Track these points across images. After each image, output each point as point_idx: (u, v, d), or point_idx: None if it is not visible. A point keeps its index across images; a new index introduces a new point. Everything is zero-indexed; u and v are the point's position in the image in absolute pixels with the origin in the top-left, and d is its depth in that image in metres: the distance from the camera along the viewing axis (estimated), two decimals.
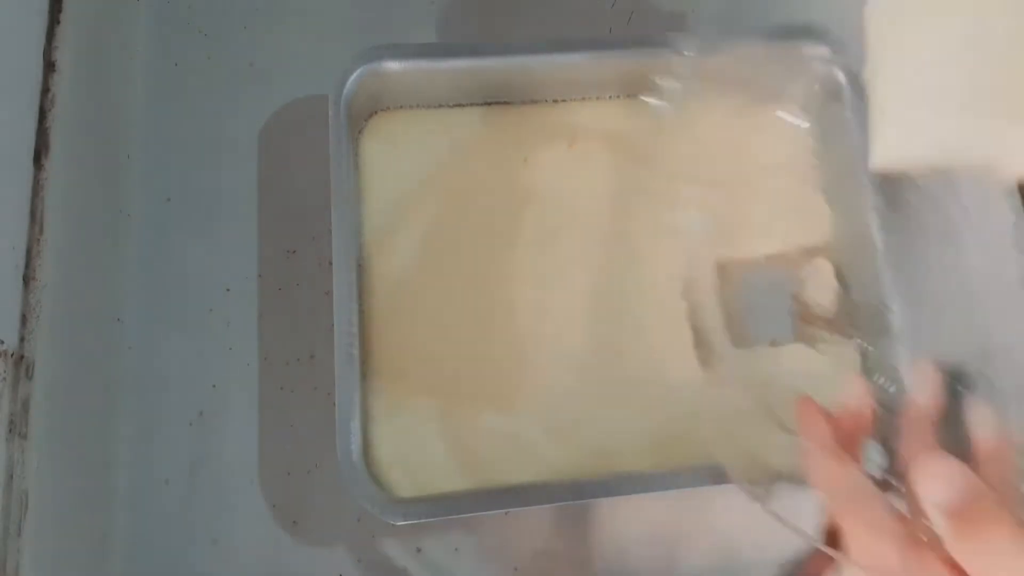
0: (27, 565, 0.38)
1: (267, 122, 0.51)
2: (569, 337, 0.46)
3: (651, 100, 0.40)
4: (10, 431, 0.38)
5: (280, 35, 0.52)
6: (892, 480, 0.33)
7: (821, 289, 0.46)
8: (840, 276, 0.47)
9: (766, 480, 0.35)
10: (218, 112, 0.51)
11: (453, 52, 0.48)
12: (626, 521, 0.46)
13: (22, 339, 0.40)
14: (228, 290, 0.48)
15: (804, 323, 0.46)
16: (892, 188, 0.43)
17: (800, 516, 0.33)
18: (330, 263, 0.43)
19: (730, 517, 0.46)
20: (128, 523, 0.44)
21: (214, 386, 0.46)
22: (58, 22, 0.45)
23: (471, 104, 0.50)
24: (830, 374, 0.44)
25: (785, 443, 0.36)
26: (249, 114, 0.50)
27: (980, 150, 0.27)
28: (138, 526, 0.44)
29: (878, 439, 0.34)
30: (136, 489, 0.44)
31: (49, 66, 0.44)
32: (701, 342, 0.42)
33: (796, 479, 0.34)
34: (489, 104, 0.50)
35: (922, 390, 0.34)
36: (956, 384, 0.36)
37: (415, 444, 0.44)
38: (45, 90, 0.43)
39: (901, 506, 0.31)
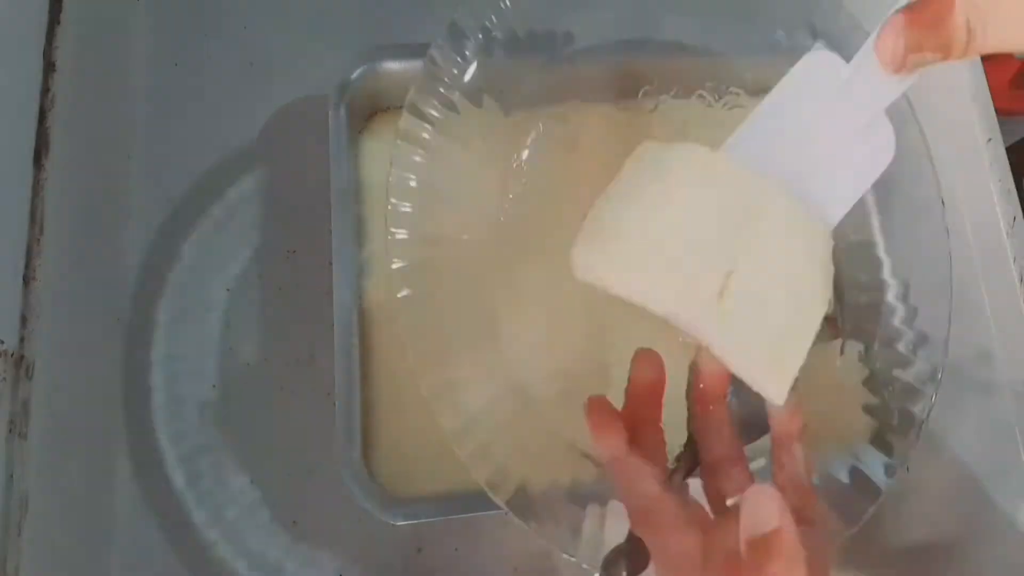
0: (27, 565, 0.38)
1: (267, 122, 0.50)
2: (572, 338, 0.46)
3: None
4: (10, 431, 0.39)
5: (280, 35, 0.52)
6: (687, 473, 0.33)
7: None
8: (840, 276, 0.46)
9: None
10: (218, 112, 0.51)
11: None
12: (626, 521, 0.46)
13: (22, 339, 0.40)
14: (228, 290, 0.48)
15: None
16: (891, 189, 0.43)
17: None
18: (330, 263, 0.43)
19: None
20: (128, 523, 0.44)
21: (214, 386, 0.46)
22: (58, 22, 0.45)
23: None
24: (831, 373, 0.44)
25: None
26: (249, 114, 0.50)
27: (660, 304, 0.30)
28: (138, 526, 0.44)
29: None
30: (136, 489, 0.44)
31: (49, 66, 0.44)
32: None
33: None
34: None
35: (710, 362, 0.33)
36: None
37: (415, 444, 0.44)
38: (45, 90, 0.43)
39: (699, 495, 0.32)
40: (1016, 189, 0.52)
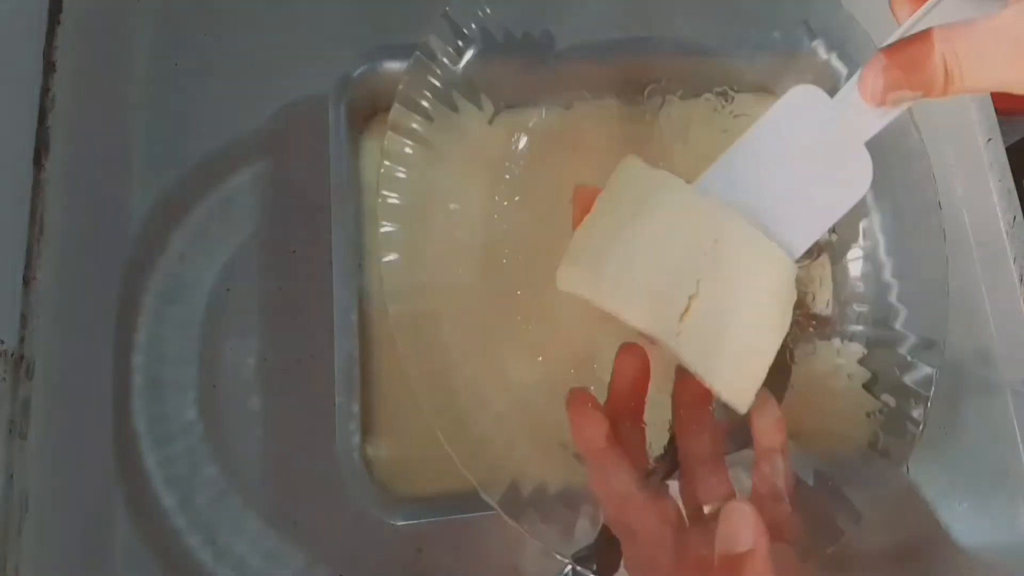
0: (27, 565, 0.38)
1: (267, 122, 0.50)
2: (569, 336, 0.46)
3: None
4: (10, 431, 0.39)
5: (280, 35, 0.52)
6: (667, 474, 0.34)
7: (821, 290, 0.46)
8: (839, 277, 0.46)
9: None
10: (218, 112, 0.51)
11: None
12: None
13: (22, 339, 0.40)
14: (228, 290, 0.48)
15: (804, 325, 0.46)
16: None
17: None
18: (330, 263, 0.43)
19: None
20: (128, 523, 0.44)
21: (214, 386, 0.46)
22: (58, 22, 0.45)
23: None
24: (830, 375, 0.44)
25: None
26: (249, 114, 0.50)
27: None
28: (138, 526, 0.44)
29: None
30: (136, 489, 0.44)
31: (49, 66, 0.44)
32: None
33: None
34: None
35: (627, 369, 0.34)
36: None
37: (415, 444, 0.44)
38: (45, 90, 0.43)
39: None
40: (1016, 189, 0.52)
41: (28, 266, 0.41)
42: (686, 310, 0.33)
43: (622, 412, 0.33)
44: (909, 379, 0.40)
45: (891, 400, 0.40)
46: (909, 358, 0.40)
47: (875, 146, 0.34)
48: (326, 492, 0.44)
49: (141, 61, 0.51)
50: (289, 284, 0.48)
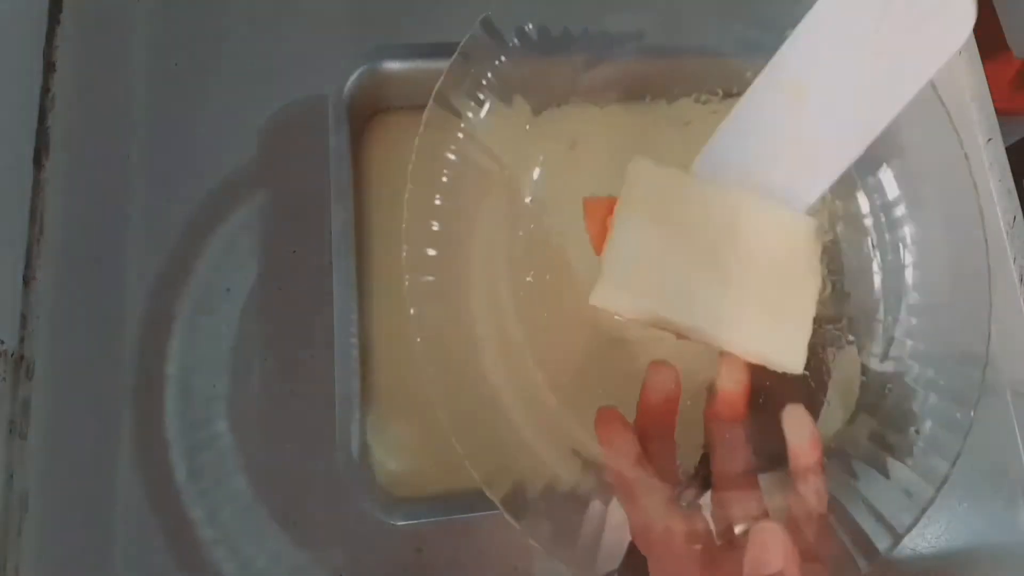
0: (27, 565, 0.38)
1: (267, 122, 0.50)
2: (569, 336, 0.46)
3: None
4: (10, 431, 0.39)
5: (280, 35, 0.52)
6: (699, 494, 0.33)
7: (855, 294, 0.46)
8: (839, 277, 0.46)
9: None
10: (218, 112, 0.51)
11: (453, 52, 0.48)
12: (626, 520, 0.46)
13: (22, 339, 0.40)
14: (228, 290, 0.48)
15: (835, 334, 0.46)
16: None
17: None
18: (330, 263, 0.43)
19: None
20: (128, 523, 0.44)
21: (214, 386, 0.46)
22: (58, 22, 0.45)
23: None
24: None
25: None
26: (249, 114, 0.50)
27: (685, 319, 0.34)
28: (138, 526, 0.44)
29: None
30: (136, 489, 0.44)
31: (49, 66, 0.44)
32: None
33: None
34: None
35: (729, 380, 0.33)
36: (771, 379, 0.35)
37: (415, 444, 0.44)
38: (45, 90, 0.43)
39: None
40: (1016, 189, 0.52)
41: (28, 266, 0.41)
42: (721, 297, 0.34)
43: (652, 430, 0.32)
44: (947, 393, 0.39)
45: (893, 400, 0.39)
46: (944, 376, 0.39)
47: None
48: (326, 492, 0.44)
49: (141, 61, 0.51)
50: (289, 284, 0.48)
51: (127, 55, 0.51)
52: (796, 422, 0.32)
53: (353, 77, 0.45)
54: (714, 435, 0.33)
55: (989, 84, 0.54)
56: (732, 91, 0.47)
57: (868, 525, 0.35)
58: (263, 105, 0.51)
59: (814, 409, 0.37)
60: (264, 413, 0.46)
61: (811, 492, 0.31)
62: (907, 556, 0.46)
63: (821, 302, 0.36)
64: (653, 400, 0.33)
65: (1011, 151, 0.54)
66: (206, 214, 0.49)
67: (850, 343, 0.43)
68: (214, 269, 0.48)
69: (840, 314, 0.44)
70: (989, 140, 0.53)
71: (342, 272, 0.43)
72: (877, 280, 0.44)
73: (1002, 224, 0.52)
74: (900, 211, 0.43)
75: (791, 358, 0.34)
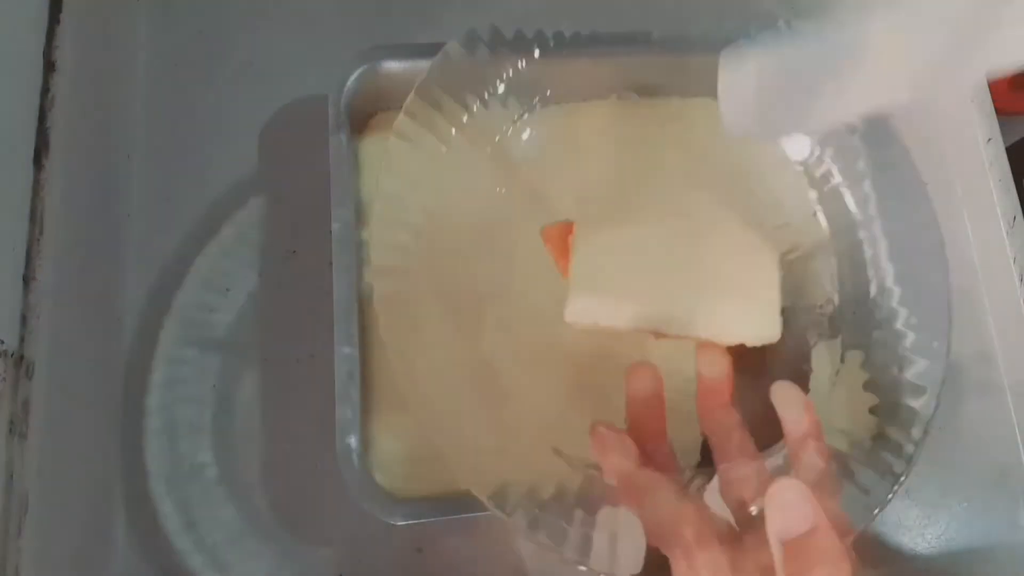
0: (27, 565, 0.38)
1: (267, 122, 0.50)
2: (569, 336, 0.46)
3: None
4: (10, 431, 0.38)
5: (280, 35, 0.52)
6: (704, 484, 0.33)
7: (820, 290, 0.46)
8: (838, 277, 0.46)
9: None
10: (218, 112, 0.51)
11: None
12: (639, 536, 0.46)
13: (22, 339, 0.40)
14: (228, 290, 0.48)
15: (813, 326, 0.46)
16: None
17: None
18: (330, 263, 0.43)
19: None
20: (128, 523, 0.44)
21: (214, 386, 0.46)
22: (58, 22, 0.45)
23: None
24: (831, 375, 0.44)
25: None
26: (249, 114, 0.50)
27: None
28: (138, 526, 0.44)
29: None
30: (136, 489, 0.44)
31: (49, 66, 0.44)
32: None
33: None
34: None
35: (710, 367, 0.33)
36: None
37: (415, 444, 0.44)
38: (45, 90, 0.43)
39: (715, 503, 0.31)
40: (1016, 189, 0.52)
41: (28, 266, 0.41)
42: (689, 288, 0.35)
43: (644, 431, 0.32)
44: (910, 375, 0.40)
45: (895, 398, 0.40)
46: (909, 355, 0.40)
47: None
48: (326, 492, 0.44)
49: (141, 61, 0.51)
50: (289, 284, 0.48)
51: (127, 55, 0.51)
52: (785, 395, 0.32)
53: (353, 77, 0.45)
54: (708, 423, 0.33)
55: (989, 84, 0.54)
56: None
57: (867, 477, 0.36)
58: (263, 105, 0.51)
59: (801, 381, 0.38)
60: (264, 413, 0.46)
61: (813, 455, 0.31)
62: (907, 556, 0.46)
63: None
64: (638, 404, 0.33)
65: (1011, 151, 0.54)
66: (206, 214, 0.49)
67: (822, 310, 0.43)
68: (214, 269, 0.48)
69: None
70: (989, 140, 0.53)
71: (342, 272, 0.43)
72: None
73: (1002, 224, 0.52)
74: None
75: (767, 329, 0.35)
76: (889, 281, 0.42)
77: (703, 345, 0.34)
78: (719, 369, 0.33)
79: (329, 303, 0.42)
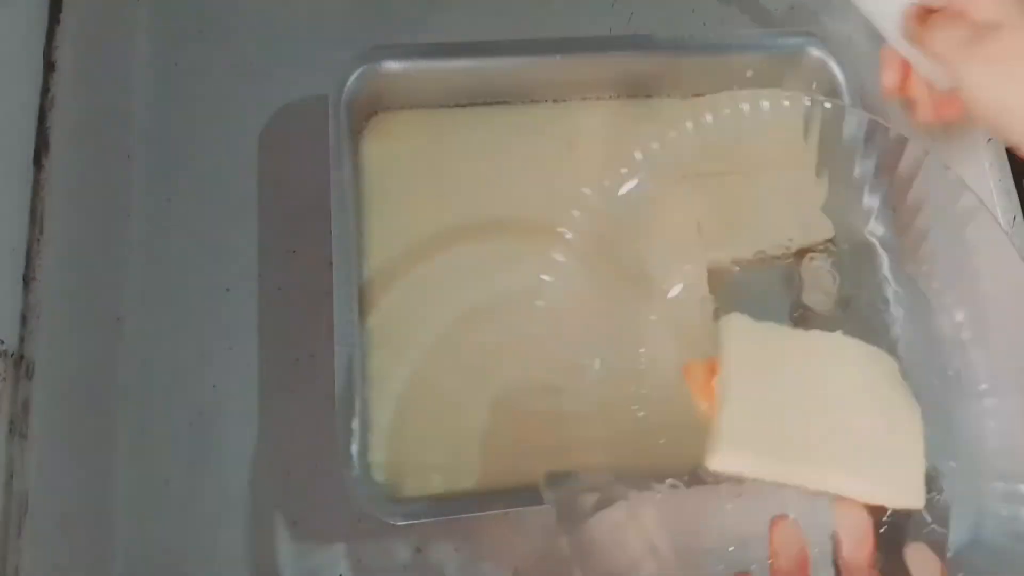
0: (27, 565, 0.38)
1: (267, 122, 0.50)
2: (569, 336, 0.46)
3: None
4: (10, 431, 0.38)
5: (280, 35, 0.52)
6: None
7: (820, 288, 0.46)
8: (839, 275, 0.47)
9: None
10: (218, 112, 0.51)
11: (453, 52, 0.48)
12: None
13: (22, 339, 0.40)
14: (228, 290, 0.48)
15: (804, 323, 0.46)
16: (892, 189, 0.43)
17: None
18: (330, 263, 0.43)
19: (730, 514, 0.46)
20: (128, 523, 0.44)
21: (214, 386, 0.46)
22: (58, 22, 0.45)
23: (471, 104, 0.50)
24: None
25: None
26: (249, 114, 0.50)
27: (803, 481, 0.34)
28: (138, 526, 0.44)
29: None
30: (136, 489, 0.44)
31: (49, 66, 0.44)
32: None
33: None
34: (489, 104, 0.50)
35: (853, 527, 0.34)
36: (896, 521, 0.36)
37: (415, 444, 0.44)
38: (45, 90, 0.43)
39: None
40: (1016, 189, 0.52)
41: (28, 266, 0.41)
42: (836, 445, 0.34)
43: None
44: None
45: None
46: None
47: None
48: (326, 492, 0.44)
49: (141, 61, 0.51)
50: (289, 284, 0.48)
51: (127, 55, 0.51)
52: (921, 560, 0.33)
53: (353, 77, 0.45)
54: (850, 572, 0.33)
55: None
56: (731, 88, 0.48)
57: None
58: (263, 105, 0.51)
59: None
60: (264, 414, 0.46)
61: None
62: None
63: None
64: (786, 558, 0.33)
65: (1011, 151, 0.54)
66: (206, 214, 0.49)
67: None
68: (214, 269, 0.48)
69: None
70: (989, 140, 0.53)
71: (342, 272, 0.43)
72: None
73: (1002, 224, 0.52)
74: None
75: (911, 496, 0.34)
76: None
77: (844, 502, 0.34)
78: (863, 530, 0.33)
79: (329, 303, 0.42)
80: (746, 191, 0.49)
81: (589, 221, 0.40)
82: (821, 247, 0.48)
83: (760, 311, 0.38)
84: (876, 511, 0.34)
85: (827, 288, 0.47)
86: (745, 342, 0.36)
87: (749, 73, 0.48)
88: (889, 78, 0.40)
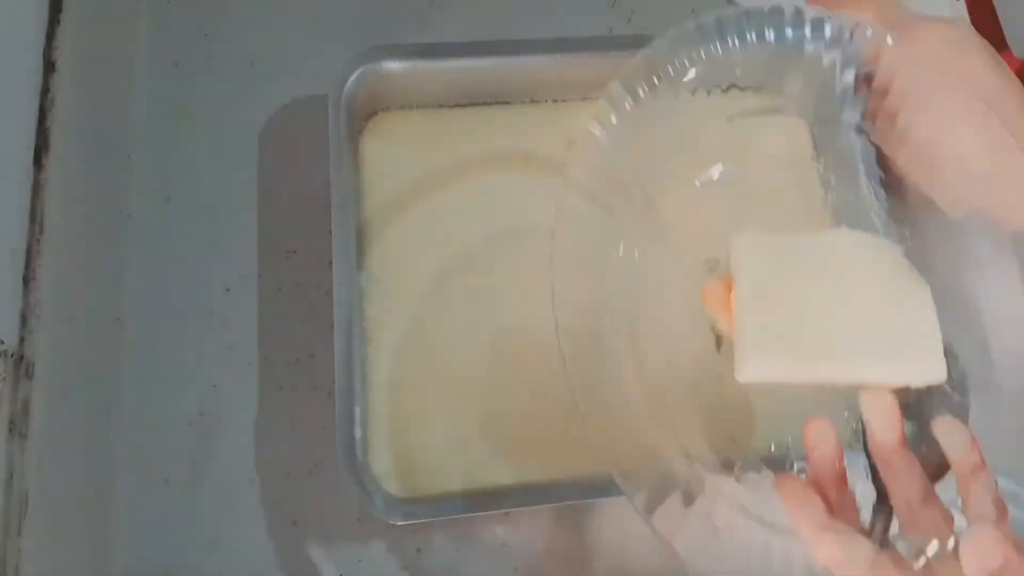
0: (27, 565, 0.38)
1: (267, 122, 0.50)
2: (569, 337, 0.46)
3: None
4: (10, 431, 0.38)
5: (280, 35, 0.52)
6: (886, 528, 0.33)
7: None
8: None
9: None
10: (218, 112, 0.51)
11: (453, 52, 0.48)
12: (626, 521, 0.46)
13: (22, 339, 0.40)
14: (228, 290, 0.48)
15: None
16: (892, 188, 0.43)
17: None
18: (330, 263, 0.43)
19: (730, 516, 0.46)
20: (128, 523, 0.44)
21: (214, 386, 0.46)
22: (58, 22, 0.45)
23: (471, 104, 0.50)
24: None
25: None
26: (249, 114, 0.50)
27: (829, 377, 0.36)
28: (138, 526, 0.44)
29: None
30: (136, 489, 0.44)
31: (49, 66, 0.44)
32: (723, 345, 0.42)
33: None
34: (489, 104, 0.50)
35: (880, 414, 0.34)
36: (921, 399, 0.36)
37: (415, 444, 0.44)
38: (45, 90, 0.43)
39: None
40: None
41: (28, 266, 0.41)
42: (854, 336, 0.35)
43: (826, 484, 0.33)
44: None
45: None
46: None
47: None
48: (326, 492, 0.44)
49: (141, 61, 0.51)
50: (289, 284, 0.48)
51: (127, 55, 0.51)
52: (948, 431, 0.33)
53: (353, 77, 0.45)
54: (885, 468, 0.34)
55: None
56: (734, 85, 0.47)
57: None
58: (263, 105, 0.51)
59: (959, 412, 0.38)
60: (264, 413, 0.46)
61: (982, 488, 0.32)
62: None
63: None
64: (819, 455, 0.34)
65: None
66: (206, 213, 0.49)
67: None
68: (214, 269, 0.48)
69: None
70: None
71: (342, 272, 0.43)
72: None
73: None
74: None
75: (933, 371, 0.35)
76: None
77: (869, 391, 0.35)
78: (890, 413, 0.34)
79: (329, 303, 0.42)
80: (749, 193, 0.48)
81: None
82: None
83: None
84: (900, 393, 0.35)
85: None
86: (756, 254, 0.37)
87: (749, 74, 0.48)
88: None
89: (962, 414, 0.37)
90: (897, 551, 0.32)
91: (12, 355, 0.39)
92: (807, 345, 0.35)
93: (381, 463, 0.43)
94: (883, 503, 0.34)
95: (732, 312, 0.37)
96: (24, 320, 0.40)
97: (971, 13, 0.58)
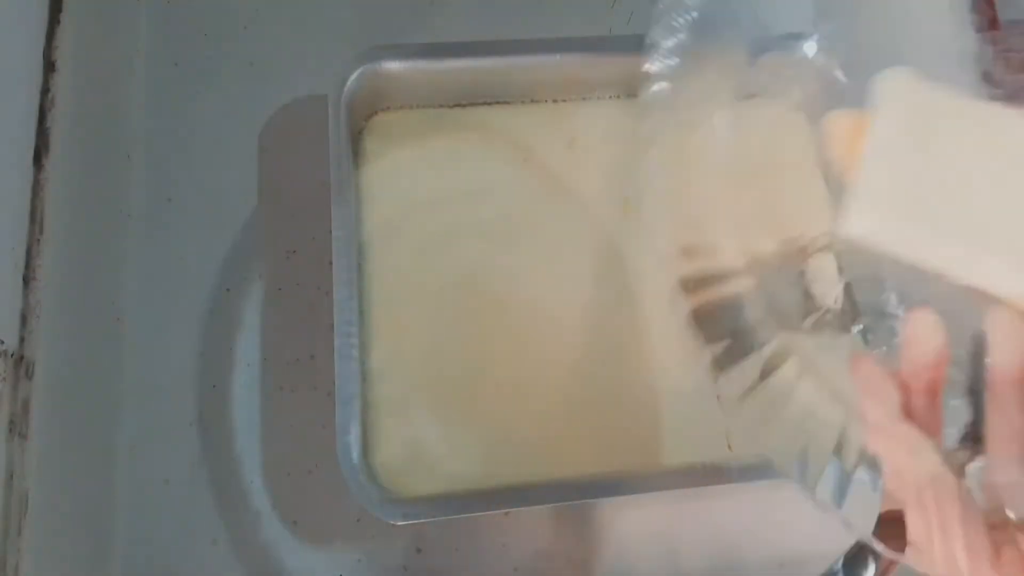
0: (27, 565, 0.38)
1: (267, 122, 0.50)
2: (569, 337, 0.46)
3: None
4: (10, 431, 0.38)
5: (280, 35, 0.52)
6: (967, 460, 0.29)
7: (826, 285, 0.46)
8: (844, 272, 0.46)
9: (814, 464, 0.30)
10: (218, 112, 0.51)
11: (453, 52, 0.48)
12: (626, 521, 0.46)
13: (22, 339, 0.40)
14: (228, 290, 0.48)
15: (810, 320, 0.46)
16: None
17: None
18: (330, 263, 0.43)
19: (731, 516, 0.46)
20: (128, 523, 0.44)
21: (214, 386, 0.46)
22: (58, 22, 0.45)
23: (471, 104, 0.50)
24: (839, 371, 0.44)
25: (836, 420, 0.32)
26: (249, 114, 0.50)
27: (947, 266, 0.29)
28: (138, 526, 0.44)
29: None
30: (136, 489, 0.44)
31: (49, 66, 0.44)
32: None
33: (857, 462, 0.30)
34: (489, 104, 0.50)
35: (1007, 343, 0.28)
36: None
37: (415, 444, 0.44)
38: (45, 90, 0.43)
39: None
40: None
41: (28, 266, 0.41)
42: (996, 232, 0.29)
43: (916, 385, 0.29)
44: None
45: None
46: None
47: None
48: (326, 492, 0.44)
49: (141, 61, 0.51)
50: (289, 284, 0.48)
51: (127, 55, 0.51)
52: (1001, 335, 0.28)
53: (353, 77, 0.45)
54: (991, 398, 0.28)
55: None
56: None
57: None
58: (263, 105, 0.51)
59: None
60: (264, 413, 0.46)
61: None
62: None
63: None
64: (918, 352, 0.29)
65: None
66: (206, 214, 0.49)
67: None
68: (214, 269, 0.48)
69: None
70: None
71: (342, 272, 0.43)
72: None
73: None
74: None
75: None
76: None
77: (1001, 307, 0.29)
78: (1021, 336, 0.28)
79: (329, 303, 0.42)
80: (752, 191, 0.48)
81: None
82: (826, 243, 0.47)
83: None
84: None
85: (833, 283, 0.47)
86: (905, 99, 0.31)
87: (749, 77, 0.48)
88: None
89: None
90: (967, 486, 0.27)
91: (12, 355, 0.39)
92: (939, 219, 0.29)
93: (381, 463, 0.43)
94: (974, 436, 0.29)
95: (857, 154, 0.31)
96: (24, 320, 0.40)
97: None
